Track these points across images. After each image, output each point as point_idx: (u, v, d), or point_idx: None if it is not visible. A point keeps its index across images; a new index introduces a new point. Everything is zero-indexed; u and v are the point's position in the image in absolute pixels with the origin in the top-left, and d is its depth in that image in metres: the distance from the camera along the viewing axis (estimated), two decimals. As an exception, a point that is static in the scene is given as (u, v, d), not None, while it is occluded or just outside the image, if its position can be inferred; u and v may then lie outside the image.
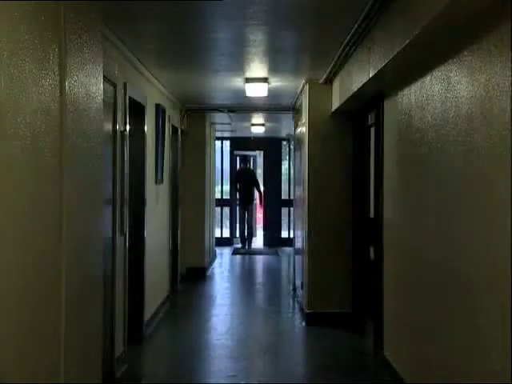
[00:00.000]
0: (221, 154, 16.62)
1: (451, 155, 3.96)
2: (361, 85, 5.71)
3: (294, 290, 9.88)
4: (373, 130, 6.80)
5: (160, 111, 7.90)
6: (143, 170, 6.99)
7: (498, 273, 3.19)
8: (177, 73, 7.71)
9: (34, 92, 2.82)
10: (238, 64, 7.02)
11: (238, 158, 17.31)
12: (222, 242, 16.17)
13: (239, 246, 16.17)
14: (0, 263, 2.46)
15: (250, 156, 17.16)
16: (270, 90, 8.29)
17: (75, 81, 3.43)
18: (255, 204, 16.73)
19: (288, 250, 14.30)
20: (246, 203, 16.05)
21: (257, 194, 16.62)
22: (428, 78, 4.49)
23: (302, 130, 8.53)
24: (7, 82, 2.49)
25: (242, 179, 15.99)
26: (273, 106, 10.50)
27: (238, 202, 16.39)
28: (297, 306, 9.03)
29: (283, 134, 15.63)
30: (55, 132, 3.12)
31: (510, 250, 3.01)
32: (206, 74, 7.68)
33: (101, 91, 3.99)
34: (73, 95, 3.39)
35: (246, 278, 12.07)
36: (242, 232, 16.24)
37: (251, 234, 16.16)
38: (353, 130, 7.83)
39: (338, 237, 7.86)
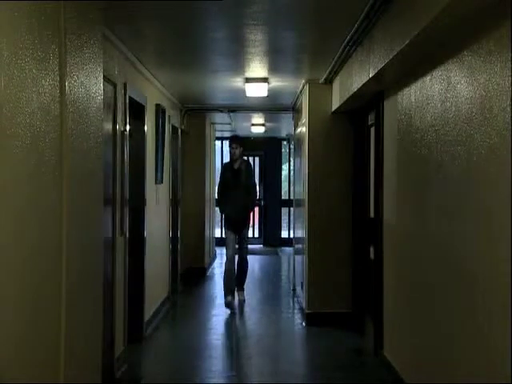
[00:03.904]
0: (221, 154, 16.62)
1: (451, 155, 3.96)
2: (361, 85, 5.71)
3: (294, 290, 9.87)
4: (373, 129, 6.80)
5: (160, 111, 7.90)
6: (143, 170, 6.99)
7: (499, 273, 3.19)
8: (177, 73, 7.71)
9: (34, 92, 2.82)
10: (237, 64, 7.02)
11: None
12: (222, 242, 16.15)
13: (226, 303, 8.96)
14: (0, 264, 2.46)
15: (240, 136, 9.81)
16: (269, 90, 8.29)
17: (75, 81, 3.43)
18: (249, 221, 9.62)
19: (288, 249, 14.30)
20: (239, 224, 9.19)
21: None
22: (428, 77, 4.49)
23: (302, 129, 8.53)
24: (7, 82, 2.49)
25: (232, 182, 9.17)
26: (273, 106, 10.50)
27: (224, 221, 9.48)
28: (297, 306, 9.02)
29: (283, 134, 15.64)
30: (55, 132, 3.12)
31: (511, 249, 3.01)
32: (206, 74, 7.68)
33: (101, 91, 3.99)
34: (73, 95, 3.39)
35: (245, 277, 12.06)
36: (229, 276, 9.15)
37: (245, 272, 9.56)
38: (353, 130, 7.83)
39: (338, 237, 7.85)
